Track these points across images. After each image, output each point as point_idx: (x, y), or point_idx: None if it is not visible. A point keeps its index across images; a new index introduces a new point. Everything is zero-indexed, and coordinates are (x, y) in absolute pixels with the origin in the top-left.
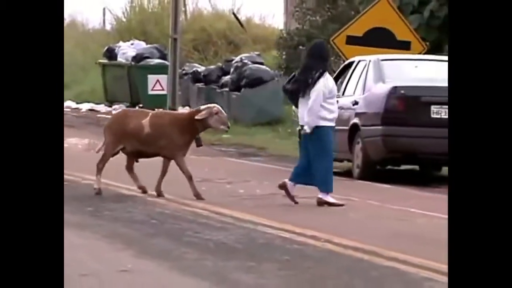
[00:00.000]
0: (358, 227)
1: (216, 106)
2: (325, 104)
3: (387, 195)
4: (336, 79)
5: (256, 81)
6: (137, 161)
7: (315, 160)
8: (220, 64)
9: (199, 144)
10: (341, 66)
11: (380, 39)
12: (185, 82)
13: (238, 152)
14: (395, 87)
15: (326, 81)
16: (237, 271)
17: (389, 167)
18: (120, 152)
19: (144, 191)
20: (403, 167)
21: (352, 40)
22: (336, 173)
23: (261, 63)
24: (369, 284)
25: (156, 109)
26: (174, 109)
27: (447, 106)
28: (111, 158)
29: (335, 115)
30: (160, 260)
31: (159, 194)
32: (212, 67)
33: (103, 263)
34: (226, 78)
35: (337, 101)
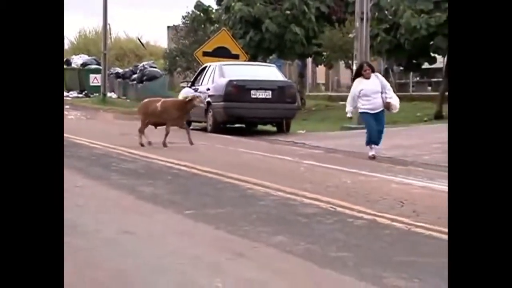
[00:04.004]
0: (210, 159)
1: (197, 94)
2: None
3: (227, 141)
4: (197, 77)
5: (152, 77)
6: (155, 128)
7: None
8: (131, 68)
9: (188, 119)
10: (200, 69)
11: (222, 53)
12: (111, 78)
13: None
14: (231, 80)
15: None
16: (141, 186)
17: (228, 125)
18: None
19: (150, 144)
20: (236, 125)
21: (206, 54)
22: (198, 129)
23: (155, 67)
24: (216, 191)
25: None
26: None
27: (261, 90)
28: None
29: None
30: (97, 180)
31: (164, 145)
32: (127, 69)
33: (66, 182)
34: (135, 76)
35: (197, 89)
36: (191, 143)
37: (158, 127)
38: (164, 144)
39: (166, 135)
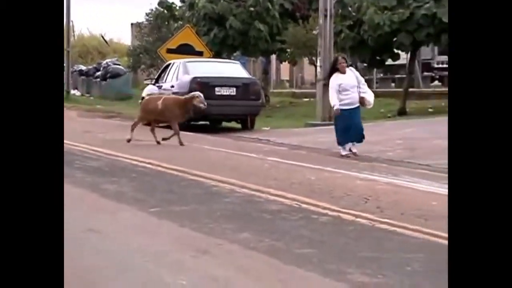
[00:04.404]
0: (175, 157)
1: (197, 93)
2: None
3: (192, 138)
4: (161, 74)
5: (116, 75)
6: (157, 125)
7: None
8: (94, 65)
9: (189, 116)
10: (164, 66)
11: (186, 50)
12: (75, 75)
13: (106, 115)
14: (195, 77)
15: None
16: (106, 184)
17: (192, 122)
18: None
19: (158, 143)
20: (200, 122)
21: (170, 51)
22: (161, 127)
23: (119, 65)
24: (181, 189)
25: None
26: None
27: (225, 87)
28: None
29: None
30: None
31: (181, 144)
32: (90, 67)
33: None
34: (98, 73)
35: (161, 86)
36: (181, 144)
37: (142, 127)
38: (181, 143)
39: (178, 135)
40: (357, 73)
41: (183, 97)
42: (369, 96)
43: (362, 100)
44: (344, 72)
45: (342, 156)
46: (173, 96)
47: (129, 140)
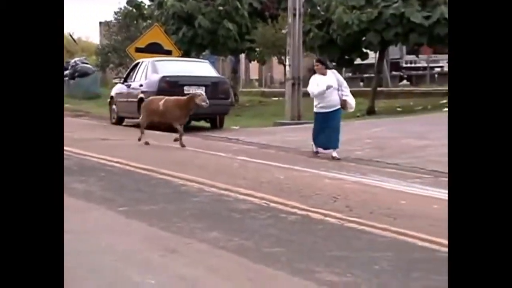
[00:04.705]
0: (144, 156)
1: (199, 92)
2: None
3: (161, 137)
4: (129, 73)
5: (84, 74)
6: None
7: None
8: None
9: (191, 116)
10: (132, 65)
11: (155, 49)
12: None
13: (75, 114)
14: (163, 76)
15: None
16: (74, 183)
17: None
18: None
19: (147, 144)
20: None
21: (139, 50)
22: (132, 126)
23: (87, 63)
24: (149, 188)
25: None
26: None
27: (194, 86)
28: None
29: None
30: None
31: (182, 145)
32: None
33: None
34: (66, 72)
35: (130, 85)
36: (183, 146)
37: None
38: (182, 145)
39: (181, 136)
40: (339, 76)
41: (184, 97)
42: (351, 100)
43: (344, 103)
44: (323, 74)
45: (313, 153)
46: (174, 97)
47: (146, 143)
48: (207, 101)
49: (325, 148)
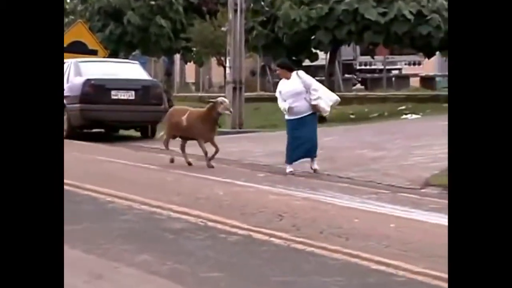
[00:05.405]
0: (66, 169)
1: (221, 98)
2: None
3: (84, 148)
4: None
5: None
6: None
7: None
8: None
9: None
10: None
11: (78, 48)
12: None
13: None
14: (88, 79)
15: None
16: None
17: (85, 130)
18: None
19: (190, 164)
20: (94, 130)
21: None
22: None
23: None
24: (72, 205)
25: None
26: None
27: (122, 91)
28: None
29: None
30: None
31: (209, 166)
32: None
33: None
34: None
35: None
36: (210, 166)
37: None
38: (209, 165)
39: (206, 154)
40: (306, 78)
41: (205, 108)
42: (323, 103)
43: (315, 108)
44: (288, 78)
45: (286, 174)
46: (197, 109)
47: (172, 160)
48: (231, 110)
49: (307, 157)
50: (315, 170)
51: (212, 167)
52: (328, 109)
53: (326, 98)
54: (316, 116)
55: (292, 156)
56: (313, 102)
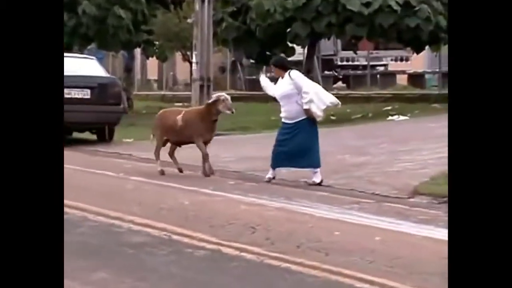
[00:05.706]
0: None
1: (223, 95)
2: None
3: None
4: None
5: None
6: (179, 146)
7: None
8: None
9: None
10: None
11: None
12: None
13: None
14: None
15: None
16: None
17: None
18: None
19: (181, 171)
20: None
21: None
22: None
23: None
24: None
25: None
26: None
27: (76, 89)
28: None
29: None
30: None
31: (205, 175)
32: None
33: None
34: None
35: None
36: (206, 175)
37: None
38: (205, 174)
39: (204, 159)
40: (297, 80)
41: (204, 105)
42: (315, 107)
43: (307, 113)
44: (283, 78)
45: (265, 180)
46: (195, 108)
47: (162, 172)
48: (234, 110)
49: (298, 167)
50: (316, 183)
51: (213, 173)
52: (320, 113)
53: (318, 101)
54: (312, 122)
55: (273, 160)
56: (305, 106)
